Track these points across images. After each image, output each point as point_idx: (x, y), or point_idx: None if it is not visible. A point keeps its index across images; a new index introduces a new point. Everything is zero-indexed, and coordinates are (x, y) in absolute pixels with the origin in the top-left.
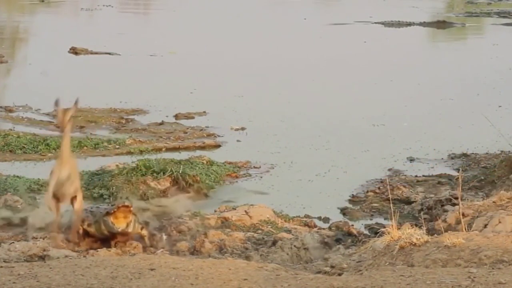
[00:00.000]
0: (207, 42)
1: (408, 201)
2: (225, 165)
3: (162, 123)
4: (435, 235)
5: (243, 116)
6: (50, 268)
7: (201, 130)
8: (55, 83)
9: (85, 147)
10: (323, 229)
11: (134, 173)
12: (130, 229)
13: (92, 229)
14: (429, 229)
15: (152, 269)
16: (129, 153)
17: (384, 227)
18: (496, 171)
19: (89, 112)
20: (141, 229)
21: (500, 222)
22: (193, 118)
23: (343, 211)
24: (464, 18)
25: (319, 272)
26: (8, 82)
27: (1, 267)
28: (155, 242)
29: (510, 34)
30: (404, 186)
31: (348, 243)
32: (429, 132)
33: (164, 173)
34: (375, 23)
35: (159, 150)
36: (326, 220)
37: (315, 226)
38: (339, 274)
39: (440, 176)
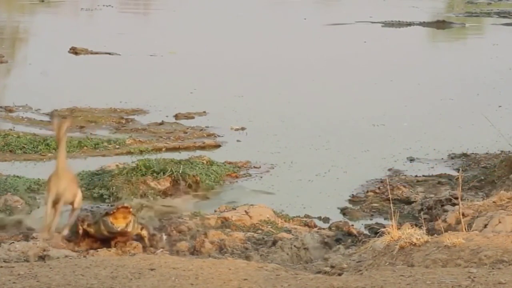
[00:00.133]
0: (207, 42)
1: (408, 201)
2: (225, 165)
3: (162, 123)
4: (435, 235)
5: (243, 116)
6: (50, 268)
7: (201, 130)
8: (55, 83)
9: (85, 147)
10: (323, 229)
11: (134, 173)
12: (129, 229)
13: (91, 230)
14: (429, 229)
15: (152, 269)
16: (129, 153)
17: (384, 227)
18: (496, 171)
19: (89, 112)
20: (141, 229)
21: (500, 222)
22: (193, 118)
23: (343, 211)
24: (464, 18)
25: (319, 272)
26: (8, 82)
27: (1, 267)
28: (155, 242)
29: (510, 34)
30: (404, 186)
31: (348, 243)
32: (429, 132)
33: (164, 173)
34: (375, 22)
35: (159, 150)
36: (326, 220)
37: (315, 226)
38: (339, 274)
39: (440, 176)
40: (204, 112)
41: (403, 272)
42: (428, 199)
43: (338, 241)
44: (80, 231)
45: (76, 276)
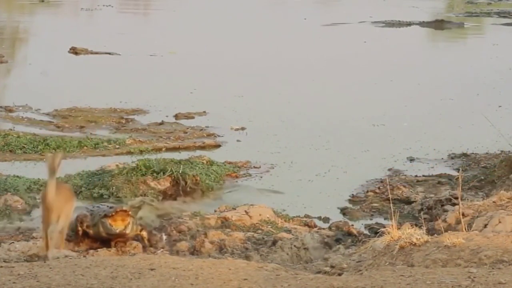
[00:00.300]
0: (207, 42)
1: (408, 201)
2: (225, 165)
3: (162, 123)
4: (435, 235)
5: (243, 116)
6: (50, 268)
7: (201, 130)
8: (55, 83)
9: (85, 147)
10: (323, 229)
11: (134, 173)
12: (128, 231)
13: (91, 231)
14: (429, 229)
15: (152, 269)
16: (129, 153)
17: (384, 227)
18: (496, 171)
19: (89, 112)
20: (141, 230)
21: (500, 222)
22: (193, 118)
23: (343, 211)
24: (463, 18)
25: (319, 272)
26: (8, 82)
27: (1, 267)
28: (155, 242)
29: (510, 34)
30: (404, 186)
31: (348, 243)
32: (429, 132)
33: (164, 173)
34: (374, 22)
35: (159, 150)
36: (326, 220)
37: (315, 226)
38: (339, 274)
39: (440, 176)
40: (204, 112)
41: (403, 272)
42: (428, 199)
43: (338, 241)
44: (80, 232)
45: (76, 276)
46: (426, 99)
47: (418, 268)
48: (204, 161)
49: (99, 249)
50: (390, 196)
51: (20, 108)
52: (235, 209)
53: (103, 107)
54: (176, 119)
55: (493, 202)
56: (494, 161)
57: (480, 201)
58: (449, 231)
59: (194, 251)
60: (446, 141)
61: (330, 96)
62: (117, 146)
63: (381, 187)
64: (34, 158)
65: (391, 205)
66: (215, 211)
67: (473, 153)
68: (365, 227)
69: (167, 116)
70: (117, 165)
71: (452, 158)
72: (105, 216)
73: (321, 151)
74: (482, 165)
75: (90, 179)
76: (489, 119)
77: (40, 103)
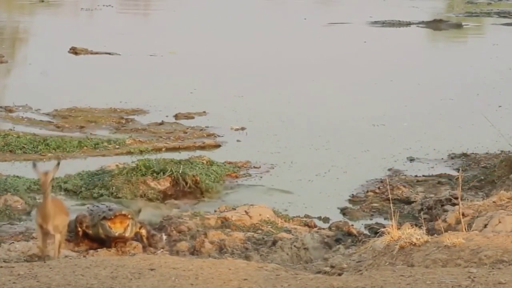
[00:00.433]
0: (207, 42)
1: (408, 201)
2: (225, 165)
3: (162, 123)
4: (435, 235)
5: (243, 116)
6: (50, 268)
7: (201, 130)
8: (55, 83)
9: (85, 147)
10: (323, 229)
11: (134, 173)
12: (127, 234)
13: (90, 231)
14: (429, 229)
15: (152, 269)
16: (129, 153)
17: (384, 227)
18: (496, 171)
19: (89, 112)
20: (140, 228)
21: (500, 222)
22: (193, 118)
23: (343, 211)
24: (463, 18)
25: (319, 272)
26: (8, 82)
27: (1, 267)
28: (154, 242)
29: (510, 34)
30: (404, 186)
31: (348, 243)
32: (429, 132)
33: (164, 173)
34: (372, 22)
35: (159, 150)
36: (326, 220)
37: (315, 226)
38: (339, 274)
39: (440, 176)
40: (204, 112)
41: (403, 272)
42: (428, 199)
43: (338, 241)
44: (80, 233)
45: (76, 276)
46: (426, 99)
47: (418, 268)
48: (204, 161)
49: (99, 249)
50: (390, 196)
51: (20, 108)
52: (235, 209)
53: (103, 107)
54: (176, 119)
55: (493, 202)
56: (494, 161)
57: (480, 201)
58: (449, 231)
59: (194, 251)
60: (446, 141)
61: (330, 96)
62: (117, 146)
63: (381, 187)
64: (34, 158)
65: (391, 205)
66: (215, 211)
67: (473, 153)
68: (365, 227)
69: (167, 116)
70: (117, 165)
71: (452, 158)
72: (104, 218)
73: (321, 151)
74: (482, 165)
75: (90, 179)
76: (489, 119)
77: (40, 103)
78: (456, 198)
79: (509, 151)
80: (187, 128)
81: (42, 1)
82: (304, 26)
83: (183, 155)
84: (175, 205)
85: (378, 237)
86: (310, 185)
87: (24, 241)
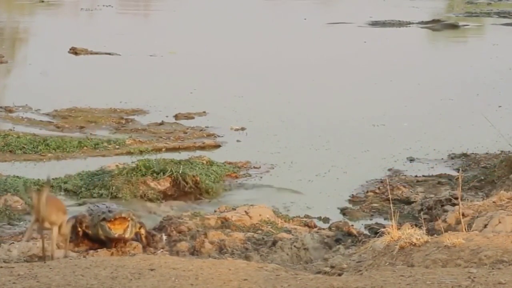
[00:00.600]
0: (207, 42)
1: (408, 201)
2: (225, 165)
3: (162, 123)
4: (435, 235)
5: (243, 116)
6: (50, 268)
7: (201, 130)
8: (55, 83)
9: (85, 147)
10: (323, 229)
11: (134, 173)
12: (127, 235)
13: (89, 231)
14: (429, 229)
15: (152, 270)
16: (129, 153)
17: (384, 227)
18: (496, 171)
19: (89, 112)
20: (139, 228)
21: (500, 222)
22: (193, 118)
23: (343, 211)
24: (463, 18)
25: (319, 272)
26: (8, 82)
27: (1, 267)
28: (154, 242)
29: (510, 34)
30: (404, 186)
31: (348, 243)
32: (429, 132)
33: (164, 173)
34: (370, 22)
35: (159, 150)
36: (326, 220)
37: (315, 226)
38: (339, 274)
39: (440, 176)
40: (204, 112)
41: (403, 272)
42: (428, 199)
43: (338, 241)
44: (80, 233)
45: (76, 276)
46: (426, 99)
47: (418, 268)
48: (204, 161)
49: (99, 250)
50: (390, 196)
51: (20, 108)
52: (235, 209)
53: (103, 108)
54: (176, 119)
55: (493, 202)
56: (494, 161)
57: (480, 201)
58: (449, 231)
59: (194, 252)
60: (446, 141)
61: (330, 96)
62: (117, 147)
63: (381, 187)
64: (34, 158)
65: (391, 205)
66: (215, 211)
67: (473, 153)
68: (365, 227)
69: (167, 116)
70: (117, 166)
71: (452, 158)
72: (104, 219)
73: (321, 151)
74: (482, 165)
75: (90, 179)
76: (489, 119)
77: (40, 103)
78: (456, 198)
79: (509, 151)
80: (187, 128)
81: (42, 1)
82: (304, 26)
83: (183, 155)
84: (174, 205)
85: (378, 237)
86: (310, 185)
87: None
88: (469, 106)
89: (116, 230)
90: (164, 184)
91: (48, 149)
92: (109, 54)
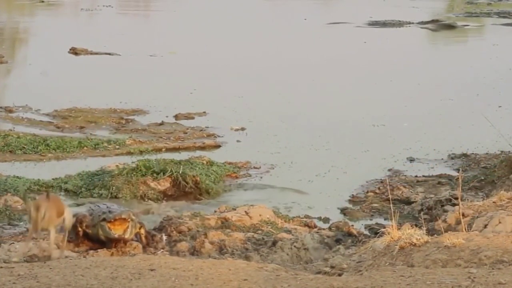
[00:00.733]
0: (207, 42)
1: (408, 201)
2: (225, 166)
3: (162, 124)
4: (435, 235)
5: (243, 116)
6: (50, 268)
7: (201, 130)
8: (55, 83)
9: (85, 148)
10: (323, 229)
11: (134, 173)
12: (127, 235)
13: (90, 231)
14: (429, 230)
15: (152, 270)
16: (129, 153)
17: (384, 227)
18: (496, 171)
19: (89, 112)
20: (140, 228)
21: (500, 222)
22: (193, 118)
23: (343, 211)
24: (463, 18)
25: (319, 273)
26: (8, 82)
27: (1, 267)
28: (154, 242)
29: (510, 34)
30: (404, 186)
31: (348, 244)
32: (429, 132)
33: (164, 174)
34: (373, 22)
35: (159, 150)
36: (326, 220)
37: (315, 226)
38: (339, 275)
39: (440, 176)
40: (204, 112)
41: (403, 273)
42: (428, 199)
43: (338, 241)
44: (80, 232)
45: (76, 276)
46: (426, 99)
47: (418, 268)
48: (204, 162)
49: (99, 250)
50: (390, 196)
51: (20, 108)
52: (235, 209)
53: (103, 108)
54: (176, 119)
55: (493, 202)
56: (494, 161)
57: (480, 202)
58: (449, 232)
59: (194, 252)
60: (446, 141)
61: (330, 96)
62: (117, 147)
63: (381, 188)
64: (34, 158)
65: (391, 205)
66: (215, 211)
67: (473, 153)
68: (365, 228)
69: (167, 117)
70: (117, 166)
71: (452, 158)
72: (104, 220)
73: (321, 151)
74: (482, 166)
75: (90, 179)
76: (489, 119)
77: (40, 104)
78: (456, 199)
79: (509, 151)
80: (187, 129)
81: (42, 1)
82: (304, 26)
83: (183, 155)
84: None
85: (378, 237)
86: (310, 185)
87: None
88: (469, 106)
89: (116, 231)
90: (164, 184)
91: (48, 149)
92: (109, 54)
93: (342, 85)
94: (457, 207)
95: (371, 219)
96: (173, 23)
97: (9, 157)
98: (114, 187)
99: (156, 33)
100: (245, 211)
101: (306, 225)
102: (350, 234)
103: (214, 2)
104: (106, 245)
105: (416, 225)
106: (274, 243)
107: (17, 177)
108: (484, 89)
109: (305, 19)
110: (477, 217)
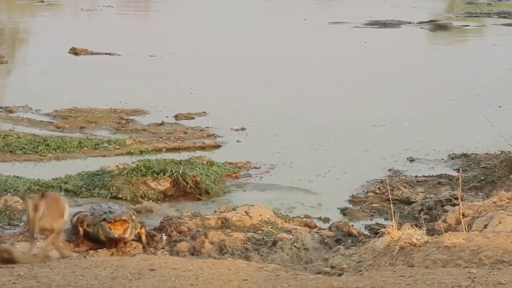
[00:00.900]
0: (207, 42)
1: (408, 202)
2: (225, 166)
3: (162, 124)
4: (435, 235)
5: (243, 117)
6: (50, 268)
7: (201, 130)
8: (55, 83)
9: (85, 148)
10: (323, 229)
11: (134, 173)
12: (127, 235)
13: (91, 230)
14: (429, 230)
15: (152, 270)
16: (129, 153)
17: (384, 228)
18: (496, 171)
19: (89, 112)
20: (140, 228)
21: (500, 223)
22: (193, 118)
23: (343, 211)
24: (463, 18)
25: (319, 273)
26: (8, 82)
27: (1, 267)
28: (154, 242)
29: (510, 34)
30: (404, 187)
31: (348, 244)
32: (429, 132)
33: (164, 174)
34: (373, 22)
35: (159, 150)
36: (326, 220)
37: (315, 226)
38: (339, 275)
39: (440, 176)
40: (204, 112)
41: (403, 273)
42: (428, 200)
43: (338, 241)
44: (80, 232)
45: (76, 276)
46: (426, 99)
47: (418, 268)
48: (204, 162)
49: (99, 250)
50: (390, 196)
51: (20, 108)
52: (235, 209)
53: (103, 108)
54: (176, 119)
55: (493, 202)
56: (494, 162)
57: (480, 202)
58: (449, 232)
59: (194, 252)
60: (446, 141)
61: (330, 96)
62: (117, 147)
63: (381, 188)
64: (34, 158)
65: (391, 205)
66: (215, 211)
67: (473, 153)
68: (365, 228)
69: (167, 117)
70: (117, 166)
71: (452, 158)
72: (105, 220)
73: (321, 151)
74: (482, 166)
75: (90, 179)
76: (489, 119)
77: (40, 104)
78: (456, 199)
79: (509, 151)
80: (187, 129)
81: (42, 1)
82: (304, 26)
83: (183, 155)
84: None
85: (378, 237)
86: (310, 185)
87: (24, 242)
88: (469, 106)
89: (116, 231)
90: (164, 184)
91: (48, 149)
92: (109, 54)
93: (342, 85)
94: (457, 207)
95: (371, 219)
96: (173, 23)
97: (9, 157)
98: (114, 187)
99: (156, 33)
100: (245, 211)
101: (306, 225)
102: (350, 234)
103: (214, 2)
104: (106, 245)
105: (416, 225)
106: (274, 243)
107: (17, 177)
108: (484, 89)
109: (305, 19)
110: (477, 217)
